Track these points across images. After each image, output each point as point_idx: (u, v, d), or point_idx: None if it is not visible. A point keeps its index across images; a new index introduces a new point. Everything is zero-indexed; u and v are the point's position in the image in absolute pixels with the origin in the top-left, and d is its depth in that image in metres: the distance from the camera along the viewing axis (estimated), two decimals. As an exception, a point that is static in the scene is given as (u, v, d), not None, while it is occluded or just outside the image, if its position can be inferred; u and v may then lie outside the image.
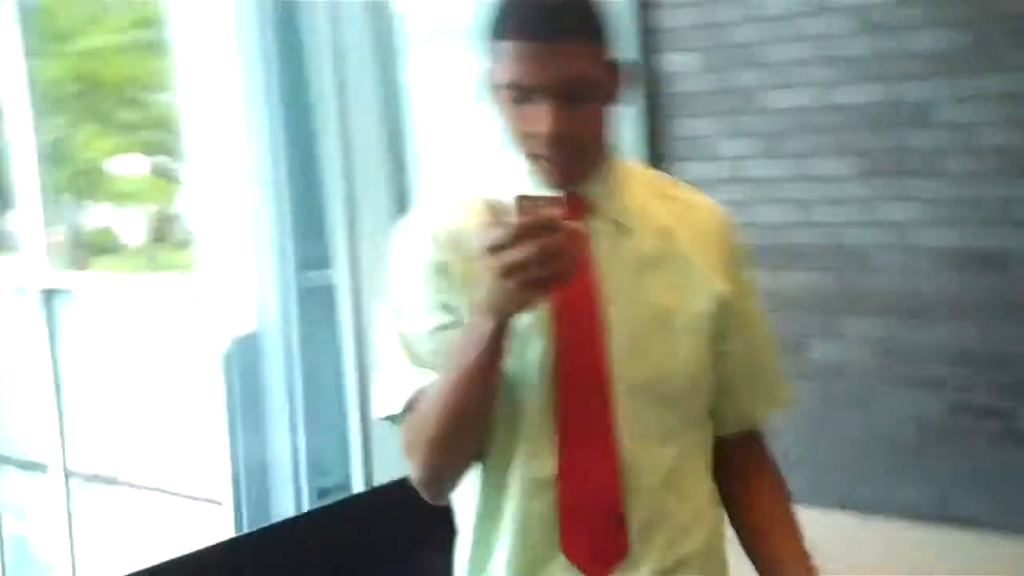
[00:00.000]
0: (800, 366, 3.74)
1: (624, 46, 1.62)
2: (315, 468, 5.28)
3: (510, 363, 1.52)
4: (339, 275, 4.53)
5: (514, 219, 1.35)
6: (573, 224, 1.36)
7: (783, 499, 1.85)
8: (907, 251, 3.62)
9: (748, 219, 3.53)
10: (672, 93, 4.02)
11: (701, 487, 1.70)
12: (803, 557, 1.77)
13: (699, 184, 1.82)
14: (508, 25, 1.47)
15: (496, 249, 1.33)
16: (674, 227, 1.65)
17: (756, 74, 3.83)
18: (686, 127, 4.01)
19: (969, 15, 3.43)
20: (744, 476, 1.84)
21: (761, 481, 1.86)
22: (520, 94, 1.48)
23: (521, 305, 1.38)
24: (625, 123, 1.43)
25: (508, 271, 1.33)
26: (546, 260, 1.32)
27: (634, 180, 1.67)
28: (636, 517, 1.59)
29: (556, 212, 1.35)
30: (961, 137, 3.49)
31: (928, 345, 3.60)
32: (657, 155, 4.02)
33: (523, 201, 1.36)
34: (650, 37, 4.02)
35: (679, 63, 4.00)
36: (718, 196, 1.81)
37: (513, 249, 1.32)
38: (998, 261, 3.48)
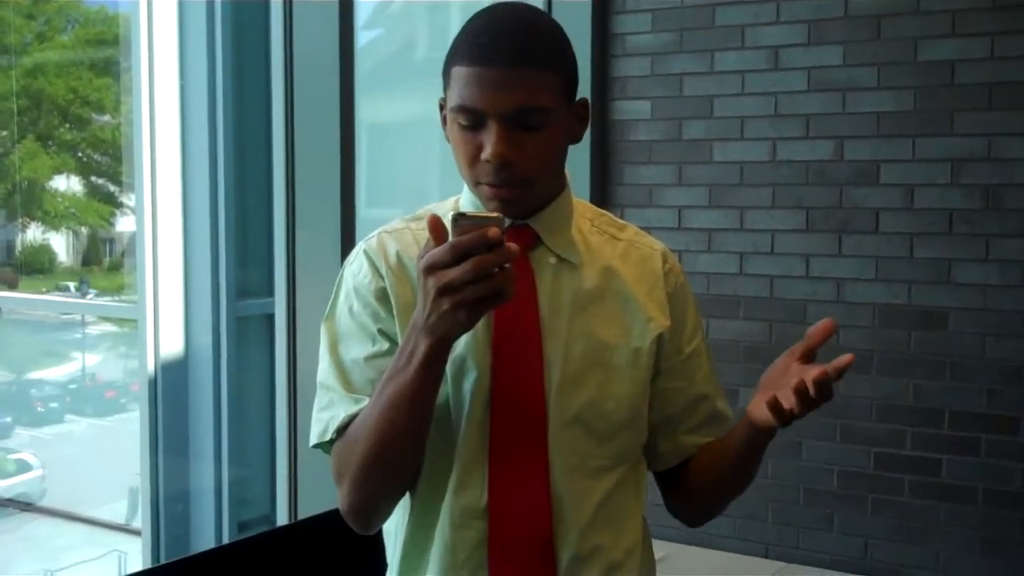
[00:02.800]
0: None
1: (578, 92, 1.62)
2: (238, 499, 5.23)
3: (445, 392, 1.49)
4: (278, 304, 4.53)
5: (451, 238, 1.30)
6: (510, 245, 1.29)
7: None
8: (843, 306, 3.71)
9: (688, 267, 3.56)
10: (622, 140, 4.11)
11: (634, 524, 1.64)
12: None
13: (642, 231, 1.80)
14: (467, 51, 1.45)
15: (432, 269, 1.29)
16: (618, 265, 1.63)
17: (705, 126, 3.93)
18: (634, 174, 4.08)
19: (913, 81, 3.58)
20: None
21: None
22: (472, 119, 1.46)
23: (457, 325, 1.32)
24: (574, 167, 1.46)
25: (443, 290, 1.28)
26: (482, 279, 1.28)
27: (581, 216, 1.65)
28: (566, 551, 1.54)
29: (494, 232, 1.28)
30: (901, 197, 3.61)
31: (858, 399, 3.67)
32: (604, 200, 4.09)
33: (460, 220, 1.30)
34: (603, 85, 4.11)
35: (631, 111, 4.09)
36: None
37: (449, 269, 1.28)
38: (937, 319, 3.57)
